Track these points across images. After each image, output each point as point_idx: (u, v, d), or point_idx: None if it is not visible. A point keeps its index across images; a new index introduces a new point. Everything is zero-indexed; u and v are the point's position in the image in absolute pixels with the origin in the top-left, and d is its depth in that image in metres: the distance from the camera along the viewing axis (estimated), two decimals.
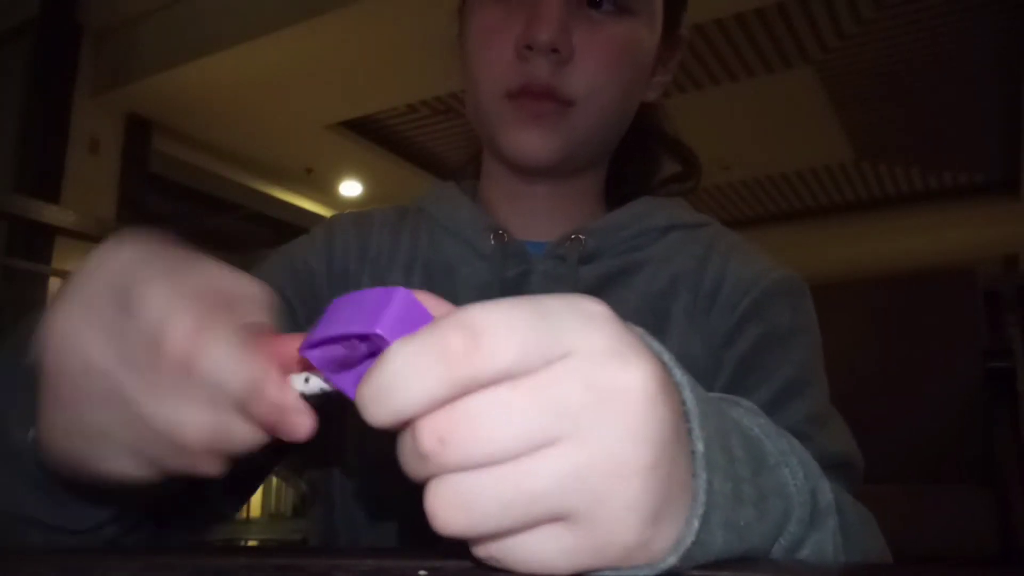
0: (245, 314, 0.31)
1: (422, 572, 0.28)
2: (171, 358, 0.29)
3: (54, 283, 3.48)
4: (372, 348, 0.26)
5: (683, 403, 0.28)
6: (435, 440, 0.24)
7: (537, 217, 0.65)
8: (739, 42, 4.06)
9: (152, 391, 0.29)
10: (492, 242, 0.62)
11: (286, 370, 0.30)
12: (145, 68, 4.20)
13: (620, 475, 0.24)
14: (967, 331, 1.66)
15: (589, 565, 0.25)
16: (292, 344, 0.30)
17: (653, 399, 0.25)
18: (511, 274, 0.61)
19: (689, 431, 0.28)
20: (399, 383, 0.24)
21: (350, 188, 5.86)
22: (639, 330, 0.28)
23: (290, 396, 0.29)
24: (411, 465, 0.25)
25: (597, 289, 0.61)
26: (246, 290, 0.32)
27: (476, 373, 0.24)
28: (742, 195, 6.16)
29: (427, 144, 5.29)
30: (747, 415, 0.37)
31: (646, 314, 0.60)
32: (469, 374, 0.24)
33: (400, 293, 0.26)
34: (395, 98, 4.54)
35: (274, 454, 0.61)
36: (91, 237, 2.49)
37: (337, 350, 0.27)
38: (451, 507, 0.24)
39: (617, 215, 0.64)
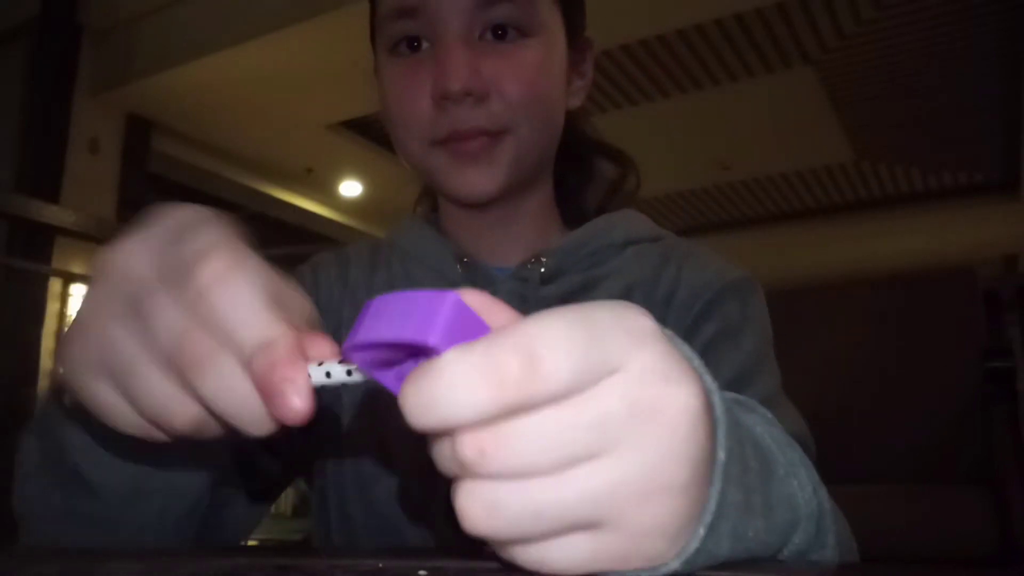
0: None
1: (422, 572, 0.28)
2: (199, 281, 0.29)
3: (54, 283, 3.49)
4: (417, 350, 0.26)
5: (712, 408, 0.28)
6: (476, 451, 0.24)
7: (498, 242, 0.67)
8: (739, 42, 4.06)
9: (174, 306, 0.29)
10: (459, 269, 0.65)
11: None
12: (145, 68, 4.19)
13: (654, 493, 0.25)
14: (967, 331, 1.66)
15: (605, 570, 0.26)
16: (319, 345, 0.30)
17: (695, 420, 0.25)
18: None
19: (714, 439, 0.28)
20: (450, 396, 0.24)
21: (350, 188, 5.86)
22: (669, 333, 0.28)
23: (297, 369, 0.29)
24: (446, 466, 0.25)
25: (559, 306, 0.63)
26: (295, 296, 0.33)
27: (529, 398, 0.24)
28: (742, 195, 6.16)
29: None
30: (761, 422, 0.37)
31: None
32: (522, 399, 0.24)
33: (451, 299, 0.25)
34: None
35: (286, 471, 0.62)
36: (91, 237, 2.49)
37: (380, 351, 0.27)
38: (481, 510, 0.24)
39: (576, 235, 0.66)
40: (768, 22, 3.90)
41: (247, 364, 0.29)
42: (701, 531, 0.27)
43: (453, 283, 0.65)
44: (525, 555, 0.25)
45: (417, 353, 0.26)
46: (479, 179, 0.61)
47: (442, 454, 0.25)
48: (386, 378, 0.28)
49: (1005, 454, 1.53)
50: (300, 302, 0.32)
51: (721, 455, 0.27)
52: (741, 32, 3.97)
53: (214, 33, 3.96)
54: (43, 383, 3.41)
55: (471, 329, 0.25)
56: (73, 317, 0.33)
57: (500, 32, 0.60)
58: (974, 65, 4.26)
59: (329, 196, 6.01)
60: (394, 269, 0.69)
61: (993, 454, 1.56)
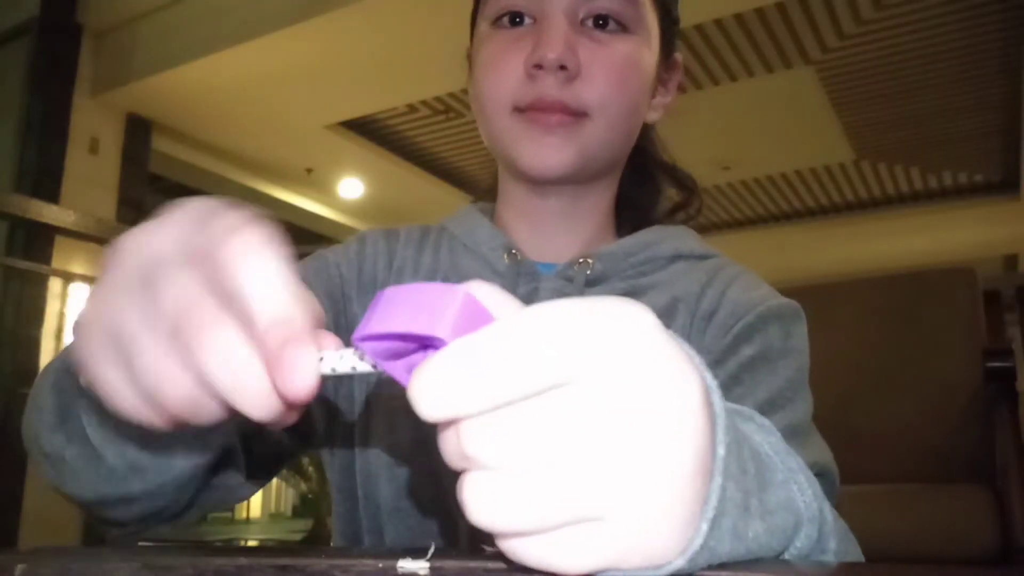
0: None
1: (422, 572, 0.28)
2: (228, 250, 0.28)
3: (54, 283, 3.49)
4: (426, 341, 0.26)
5: (712, 405, 0.28)
6: (479, 443, 0.25)
7: (550, 237, 0.68)
8: (739, 42, 4.06)
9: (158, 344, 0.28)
10: (506, 260, 0.65)
11: None
12: (145, 68, 4.20)
13: (659, 483, 0.25)
14: (967, 330, 1.66)
15: (613, 567, 0.26)
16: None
17: (695, 412, 0.26)
18: (522, 291, 0.64)
19: (714, 434, 0.28)
20: (455, 387, 0.24)
21: (350, 188, 5.86)
22: (670, 332, 0.28)
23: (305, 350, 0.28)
24: (452, 459, 0.26)
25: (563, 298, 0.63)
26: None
27: (532, 389, 0.24)
28: (742, 195, 6.16)
29: (427, 144, 5.29)
30: (759, 431, 0.37)
31: None
32: (525, 390, 0.24)
33: (461, 294, 0.26)
34: (395, 98, 4.54)
35: (298, 440, 0.63)
36: (91, 237, 2.49)
37: (391, 341, 0.27)
38: (484, 500, 0.25)
39: (626, 242, 0.66)
40: (768, 22, 3.90)
41: (261, 336, 0.28)
42: (704, 527, 0.27)
43: (499, 273, 0.65)
44: (531, 549, 0.25)
45: (427, 345, 0.26)
46: (552, 152, 0.61)
47: (448, 447, 0.26)
48: (396, 369, 0.28)
49: (1005, 454, 1.53)
50: (311, 299, 0.31)
51: (720, 450, 0.28)
52: (741, 32, 3.97)
53: (214, 33, 3.96)
54: None
55: (481, 323, 0.26)
56: (89, 295, 0.31)
57: (601, 23, 0.63)
58: (974, 65, 4.26)
59: (329, 196, 6.01)
60: (441, 254, 0.70)
61: (993, 454, 1.56)
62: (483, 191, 0.79)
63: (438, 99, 4.56)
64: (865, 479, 1.59)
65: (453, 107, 4.68)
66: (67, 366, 0.43)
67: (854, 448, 1.56)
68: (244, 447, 0.53)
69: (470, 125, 4.95)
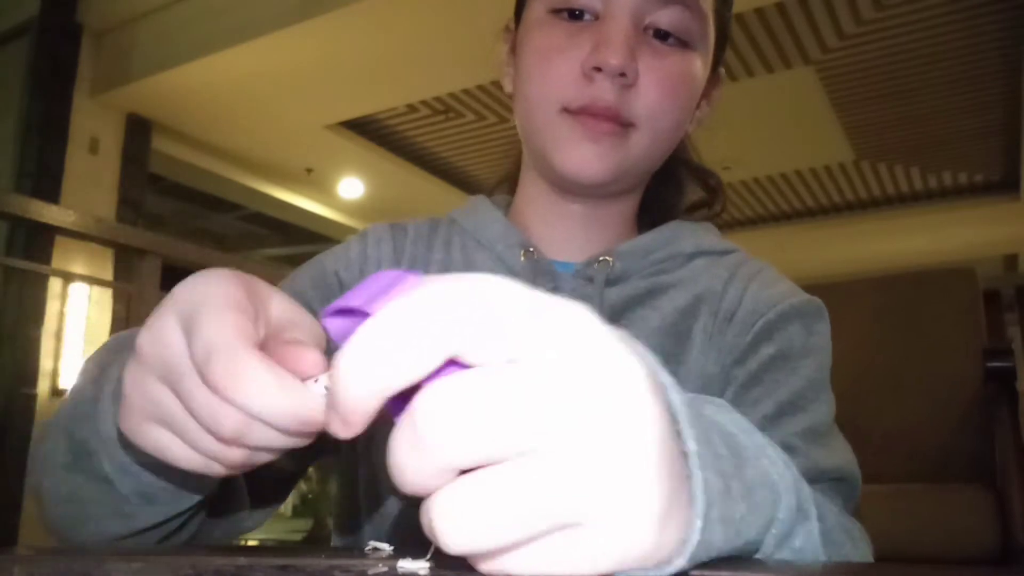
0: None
1: (422, 572, 0.28)
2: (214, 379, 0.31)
3: (54, 283, 3.49)
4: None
5: (669, 404, 0.28)
6: (430, 419, 0.23)
7: (569, 237, 0.66)
8: (739, 42, 4.06)
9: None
10: (522, 259, 0.63)
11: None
12: (145, 68, 4.20)
13: (622, 475, 0.24)
14: (967, 330, 1.66)
15: (609, 569, 0.25)
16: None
17: (644, 398, 0.25)
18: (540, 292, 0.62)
19: (679, 432, 0.27)
20: (378, 352, 0.24)
21: (350, 188, 5.86)
22: (624, 333, 0.28)
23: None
24: (404, 459, 0.24)
25: (622, 310, 0.61)
26: (300, 321, 0.36)
27: (463, 347, 0.24)
28: (742, 195, 6.16)
29: (427, 144, 5.29)
30: (719, 412, 0.37)
31: (668, 334, 0.61)
32: (457, 346, 0.24)
33: (409, 279, 0.26)
34: (395, 98, 4.54)
35: (300, 465, 0.62)
36: (91, 237, 2.49)
37: (352, 326, 0.27)
38: (453, 521, 0.23)
39: (646, 239, 0.65)
40: (768, 22, 3.90)
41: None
42: (698, 523, 0.26)
43: (514, 272, 0.63)
44: (525, 565, 0.24)
45: None
46: (594, 160, 0.60)
47: (401, 453, 0.24)
48: None
49: (1005, 454, 1.53)
50: (310, 323, 0.35)
51: (692, 445, 0.27)
52: (741, 32, 3.97)
53: (214, 33, 3.96)
54: (43, 383, 3.41)
55: None
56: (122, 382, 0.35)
57: (663, 34, 0.61)
58: (974, 65, 4.26)
59: (329, 196, 6.01)
60: (453, 250, 0.67)
61: (993, 454, 1.56)
62: (490, 188, 0.77)
63: (438, 99, 4.56)
64: (866, 479, 1.58)
65: (453, 107, 4.67)
66: (78, 413, 0.43)
67: (855, 448, 1.56)
68: (248, 475, 0.52)
69: (470, 125, 4.95)
